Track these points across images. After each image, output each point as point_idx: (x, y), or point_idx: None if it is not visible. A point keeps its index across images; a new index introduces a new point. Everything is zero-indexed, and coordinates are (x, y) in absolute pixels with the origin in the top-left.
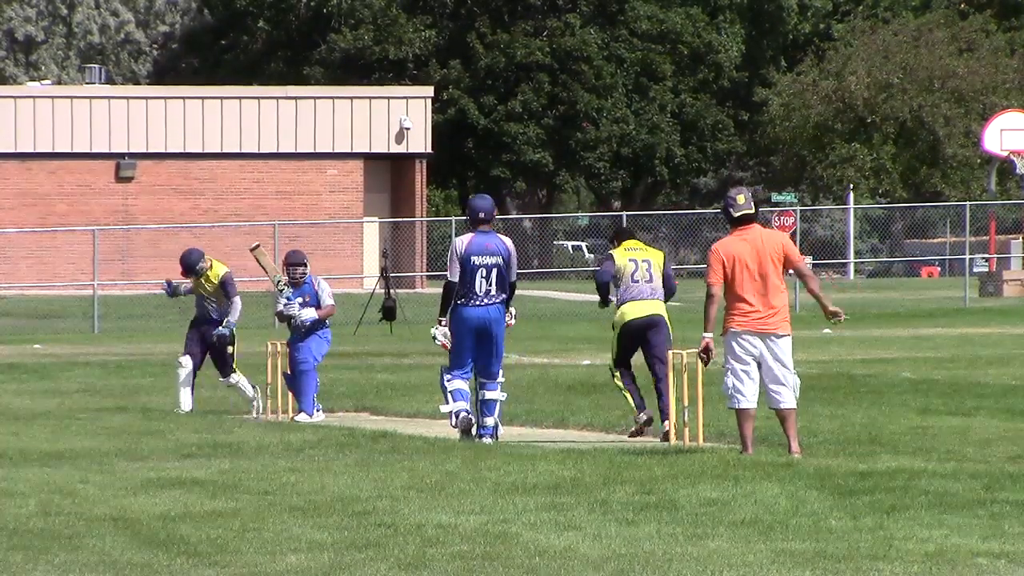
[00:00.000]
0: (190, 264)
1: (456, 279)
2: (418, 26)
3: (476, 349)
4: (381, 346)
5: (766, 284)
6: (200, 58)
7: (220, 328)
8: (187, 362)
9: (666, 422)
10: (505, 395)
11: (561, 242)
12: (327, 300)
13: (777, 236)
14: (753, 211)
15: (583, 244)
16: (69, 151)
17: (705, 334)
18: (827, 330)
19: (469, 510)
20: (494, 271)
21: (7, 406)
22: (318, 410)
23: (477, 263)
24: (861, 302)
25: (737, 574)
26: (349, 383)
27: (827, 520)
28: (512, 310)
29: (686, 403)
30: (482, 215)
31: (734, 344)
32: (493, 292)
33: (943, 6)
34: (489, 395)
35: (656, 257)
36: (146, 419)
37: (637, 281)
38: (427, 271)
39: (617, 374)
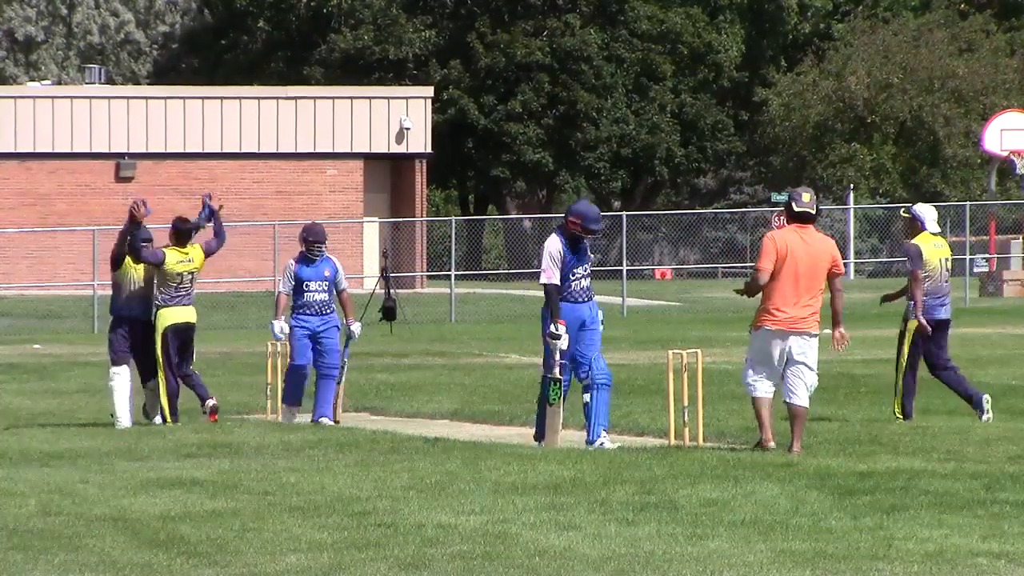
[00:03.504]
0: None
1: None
2: (418, 26)
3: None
4: (381, 346)
5: (808, 285)
6: (200, 58)
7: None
8: (124, 371)
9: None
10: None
11: None
12: (344, 283)
13: (829, 243)
14: (815, 212)
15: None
16: (69, 151)
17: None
18: (827, 330)
19: (469, 510)
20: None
21: (7, 406)
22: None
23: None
24: (861, 302)
25: (737, 574)
26: (349, 383)
27: (827, 520)
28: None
29: (686, 403)
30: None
31: (762, 343)
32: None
33: (943, 6)
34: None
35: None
36: (146, 419)
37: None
38: (427, 271)
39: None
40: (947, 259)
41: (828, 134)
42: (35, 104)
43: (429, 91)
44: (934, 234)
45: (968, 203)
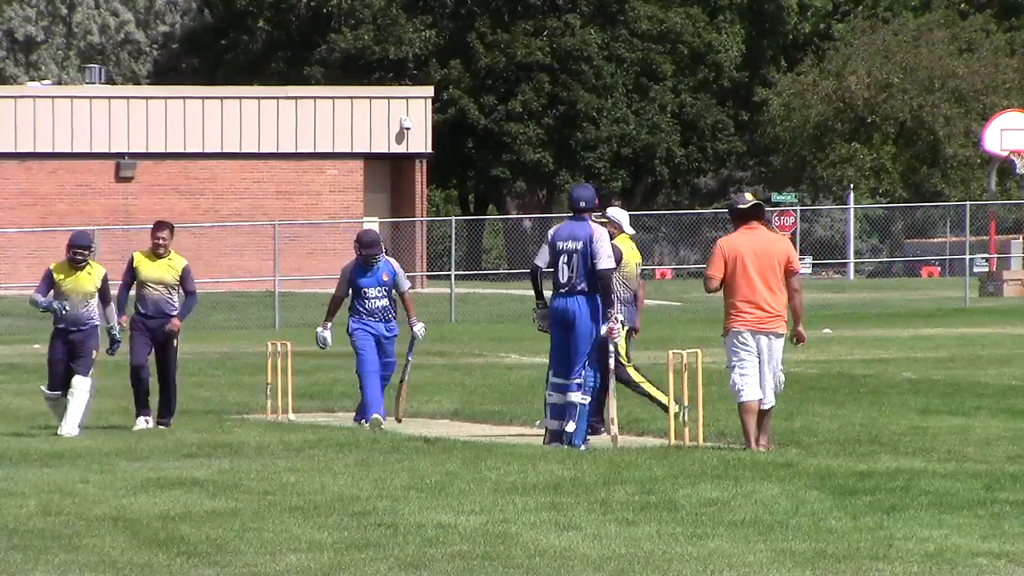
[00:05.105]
0: (87, 242)
1: (542, 264)
2: (418, 26)
3: (560, 345)
4: None
5: (766, 284)
6: (200, 58)
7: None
8: (54, 393)
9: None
10: (587, 399)
11: None
12: (406, 284)
13: (783, 242)
14: (760, 206)
15: None
16: (69, 151)
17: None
18: (827, 330)
19: (469, 510)
20: (574, 256)
21: (7, 406)
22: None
23: (560, 248)
24: (861, 302)
25: (737, 574)
26: (349, 383)
27: (827, 520)
28: (613, 314)
29: (686, 403)
30: (582, 204)
31: (736, 343)
32: (574, 280)
33: (943, 6)
34: (570, 396)
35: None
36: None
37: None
38: (427, 271)
39: None
40: (639, 264)
41: (828, 134)
42: (35, 104)
43: (429, 91)
44: (631, 237)
45: (968, 203)
